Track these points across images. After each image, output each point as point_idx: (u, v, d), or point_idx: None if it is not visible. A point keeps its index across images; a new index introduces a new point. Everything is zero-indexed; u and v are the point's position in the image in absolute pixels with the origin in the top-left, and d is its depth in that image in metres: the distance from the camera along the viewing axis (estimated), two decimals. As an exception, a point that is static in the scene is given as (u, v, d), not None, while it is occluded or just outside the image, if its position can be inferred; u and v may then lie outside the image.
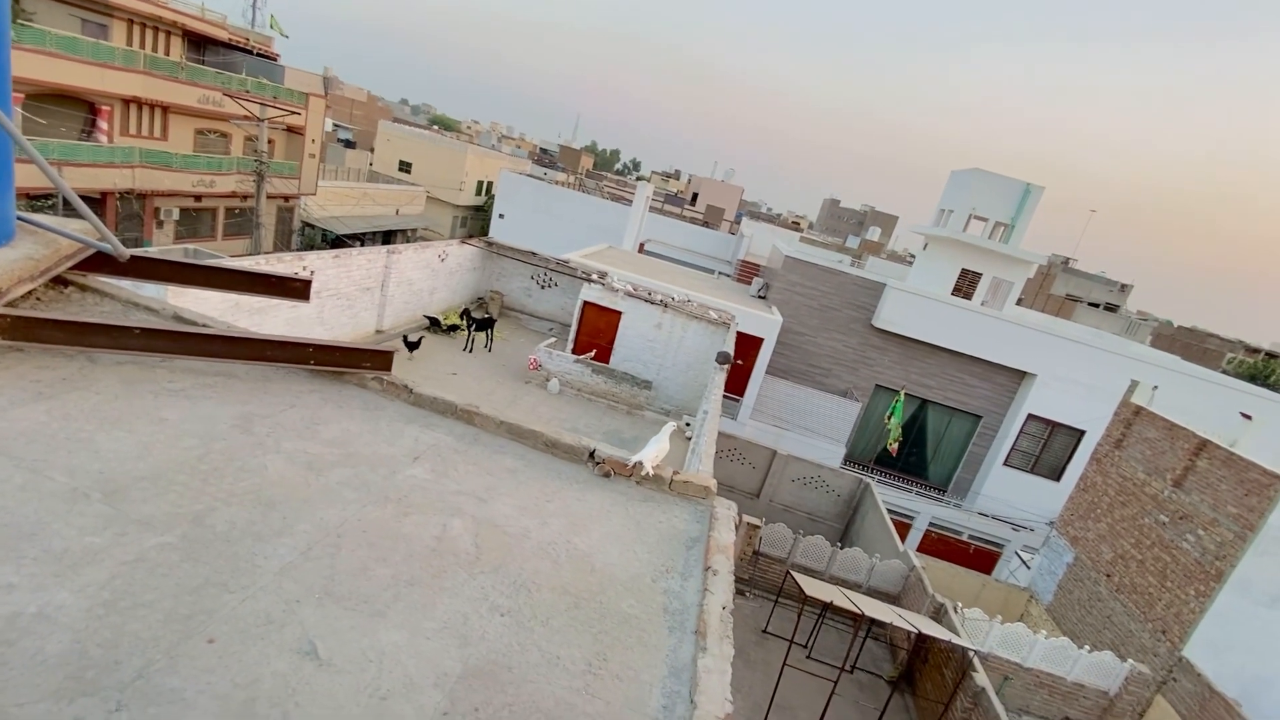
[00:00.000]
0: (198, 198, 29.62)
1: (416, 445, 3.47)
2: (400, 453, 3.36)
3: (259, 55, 31.50)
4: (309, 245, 37.07)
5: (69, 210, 22.38)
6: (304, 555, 2.47)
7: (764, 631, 13.07)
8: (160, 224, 28.91)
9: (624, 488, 3.70)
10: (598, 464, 3.75)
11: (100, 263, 4.07)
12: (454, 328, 14.18)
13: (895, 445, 20.62)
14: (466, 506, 3.10)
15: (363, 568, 2.51)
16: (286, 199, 34.44)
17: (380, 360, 3.90)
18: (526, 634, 2.42)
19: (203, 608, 2.12)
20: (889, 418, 20.30)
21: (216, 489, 2.67)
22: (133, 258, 3.83)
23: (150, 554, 2.27)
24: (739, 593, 13.37)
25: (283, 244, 35.13)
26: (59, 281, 3.91)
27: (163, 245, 27.66)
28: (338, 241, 35.26)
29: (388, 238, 40.68)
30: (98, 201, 25.77)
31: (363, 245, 16.91)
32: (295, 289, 4.51)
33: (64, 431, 2.72)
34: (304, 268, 10.19)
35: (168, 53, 26.78)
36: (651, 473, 3.74)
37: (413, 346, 12.52)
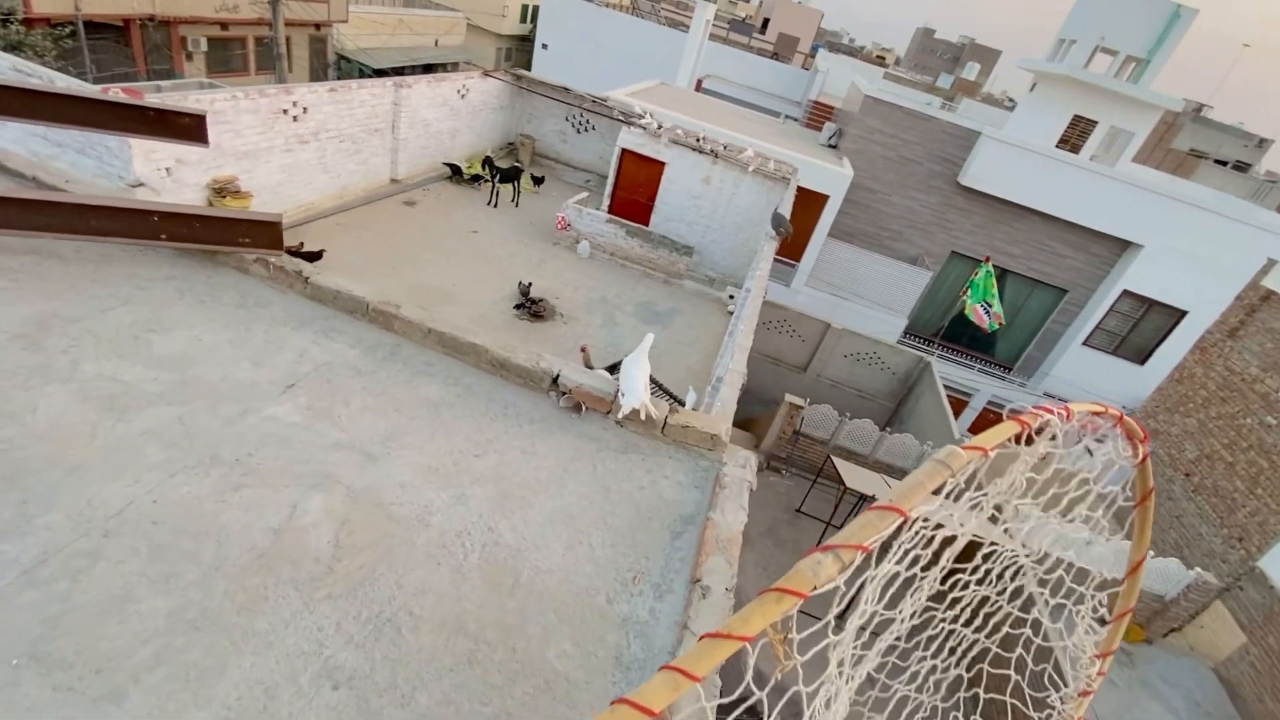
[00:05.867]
0: (224, 25, 27.50)
1: (298, 365, 2.43)
2: (268, 378, 2.33)
3: None
4: (344, 79, 34.81)
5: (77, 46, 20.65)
6: (27, 576, 1.55)
7: (798, 511, 12.63)
8: (190, 56, 27.24)
9: (597, 430, 2.62)
10: (563, 394, 2.67)
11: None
12: (477, 178, 12.74)
13: (981, 314, 17.49)
14: (343, 470, 2.09)
15: (122, 596, 1.58)
16: (318, 27, 31.72)
17: (264, 234, 2.77)
18: (368, 725, 1.49)
19: None
20: (964, 291, 18.16)
21: (-71, 450, 1.73)
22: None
23: None
24: (774, 470, 12.79)
25: (319, 77, 32.97)
26: None
27: (193, 78, 26.26)
28: (376, 76, 32.87)
29: (428, 71, 37.73)
30: (121, 30, 24.19)
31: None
32: (185, 128, 3.30)
33: None
34: (294, 103, 8.83)
35: None
36: (653, 414, 2.62)
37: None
